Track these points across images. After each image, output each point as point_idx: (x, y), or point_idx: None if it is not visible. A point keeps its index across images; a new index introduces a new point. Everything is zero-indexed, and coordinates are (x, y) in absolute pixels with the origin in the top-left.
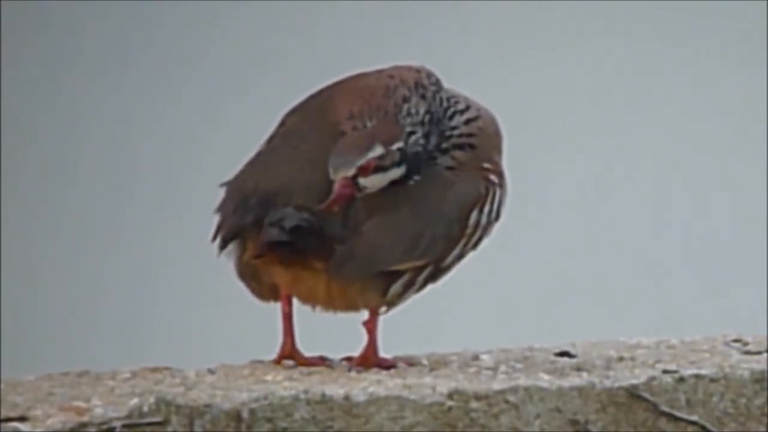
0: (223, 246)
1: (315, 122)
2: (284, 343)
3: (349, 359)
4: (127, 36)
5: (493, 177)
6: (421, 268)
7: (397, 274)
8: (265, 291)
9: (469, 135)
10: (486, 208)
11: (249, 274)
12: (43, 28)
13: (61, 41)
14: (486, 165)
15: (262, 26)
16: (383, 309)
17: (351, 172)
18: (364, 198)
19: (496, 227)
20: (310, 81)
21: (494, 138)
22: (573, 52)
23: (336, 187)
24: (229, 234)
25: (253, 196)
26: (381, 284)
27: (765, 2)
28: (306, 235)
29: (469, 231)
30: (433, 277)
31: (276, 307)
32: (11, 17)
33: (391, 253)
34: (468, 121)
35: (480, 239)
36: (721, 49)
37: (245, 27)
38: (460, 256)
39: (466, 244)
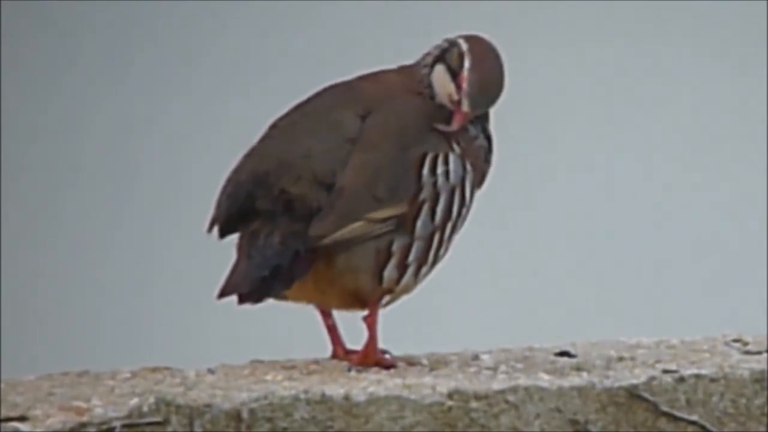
0: (221, 234)
1: (329, 109)
2: (334, 351)
3: (350, 352)
4: (128, 36)
5: (467, 161)
6: (408, 247)
7: (387, 256)
8: None
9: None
10: (440, 169)
11: None
12: (43, 28)
13: (61, 41)
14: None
15: (262, 26)
16: (387, 298)
17: None
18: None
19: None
20: (310, 81)
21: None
22: (573, 52)
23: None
24: (221, 220)
25: (247, 182)
26: (373, 267)
27: (765, 2)
28: (272, 278)
29: (426, 191)
30: (423, 254)
31: (275, 309)
32: (11, 17)
33: (371, 200)
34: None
35: (450, 211)
36: (721, 49)
37: (245, 27)
38: (435, 230)
39: (432, 210)
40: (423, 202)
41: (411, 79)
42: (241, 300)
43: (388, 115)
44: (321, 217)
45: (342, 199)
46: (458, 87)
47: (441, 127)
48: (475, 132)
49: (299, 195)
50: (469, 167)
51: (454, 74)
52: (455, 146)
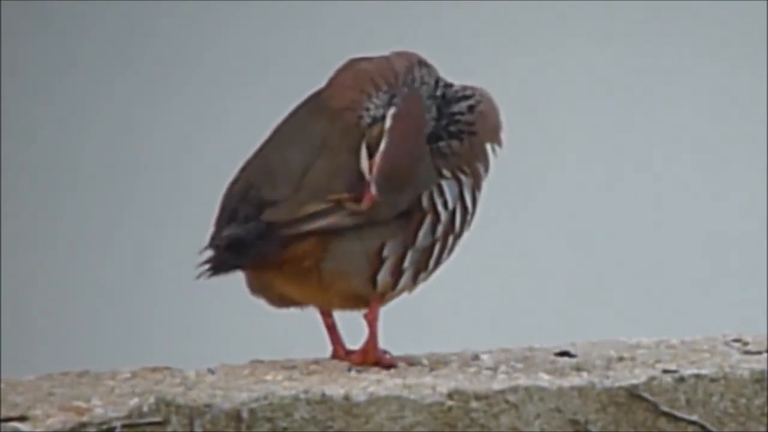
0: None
1: (305, 119)
2: (334, 351)
3: (350, 352)
4: (127, 36)
5: (460, 175)
6: (402, 255)
7: (379, 261)
8: (277, 299)
9: (470, 123)
10: (438, 201)
11: (258, 286)
12: (43, 28)
13: (61, 41)
14: (464, 167)
15: (262, 26)
16: (386, 298)
17: None
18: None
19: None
20: (310, 81)
21: (493, 122)
22: (573, 52)
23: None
24: (215, 244)
25: (236, 197)
26: (366, 270)
27: (765, 2)
28: (238, 248)
29: (427, 209)
30: (422, 261)
31: (276, 310)
32: (11, 17)
33: (324, 193)
34: (470, 108)
35: (452, 226)
36: (721, 49)
37: (245, 27)
38: (436, 241)
39: (434, 227)
40: (423, 218)
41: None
42: (214, 272)
43: (350, 126)
44: (277, 205)
45: (301, 191)
46: (370, 169)
47: (351, 206)
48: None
49: (273, 201)
50: (464, 178)
51: (371, 153)
52: (445, 171)
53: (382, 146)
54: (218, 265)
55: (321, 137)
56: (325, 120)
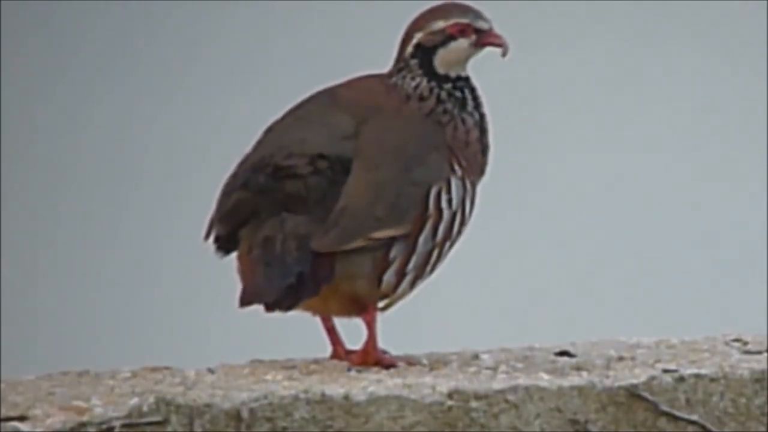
0: (216, 239)
1: (320, 110)
2: (334, 351)
3: (350, 352)
4: (127, 36)
5: (467, 179)
6: (407, 257)
7: (385, 264)
8: None
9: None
10: (443, 198)
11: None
12: (43, 28)
13: (61, 41)
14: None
15: (262, 26)
16: (384, 303)
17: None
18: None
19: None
20: (310, 81)
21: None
22: (573, 52)
23: (495, 34)
24: (218, 214)
25: (242, 172)
26: (370, 273)
27: (765, 2)
28: (297, 287)
29: (431, 211)
30: (421, 267)
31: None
32: (11, 17)
33: (372, 220)
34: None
35: (450, 231)
36: (721, 49)
37: (245, 27)
38: (435, 247)
39: (435, 229)
40: (426, 221)
41: (390, 87)
42: (269, 308)
43: (384, 131)
44: (324, 231)
45: (344, 217)
46: (462, 31)
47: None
48: (471, 121)
49: (288, 166)
50: (468, 185)
51: (451, 37)
52: (456, 168)
53: (441, 22)
54: (285, 304)
55: (348, 130)
56: (347, 116)
